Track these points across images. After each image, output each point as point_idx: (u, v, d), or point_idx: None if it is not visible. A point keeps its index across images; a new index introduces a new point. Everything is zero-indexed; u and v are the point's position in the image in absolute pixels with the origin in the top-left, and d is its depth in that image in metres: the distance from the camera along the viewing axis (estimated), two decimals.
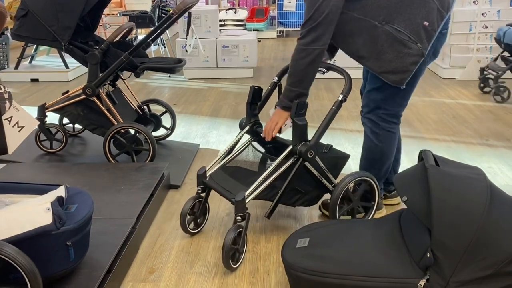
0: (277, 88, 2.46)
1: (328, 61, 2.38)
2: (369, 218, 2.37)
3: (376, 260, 1.76)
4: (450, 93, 5.05)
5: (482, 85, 5.01)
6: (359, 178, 2.29)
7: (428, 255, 1.62)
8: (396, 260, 1.73)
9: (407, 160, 3.20)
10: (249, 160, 2.45)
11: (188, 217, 2.35)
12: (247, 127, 2.45)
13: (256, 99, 2.44)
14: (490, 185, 1.68)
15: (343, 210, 2.29)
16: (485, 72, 4.94)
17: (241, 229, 2.10)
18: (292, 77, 2.18)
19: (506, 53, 4.82)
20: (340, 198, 2.24)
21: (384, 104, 2.31)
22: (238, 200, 2.08)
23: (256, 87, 2.42)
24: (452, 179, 1.68)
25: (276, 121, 2.26)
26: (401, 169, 2.63)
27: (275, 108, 2.34)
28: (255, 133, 2.46)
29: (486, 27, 5.65)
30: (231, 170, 2.39)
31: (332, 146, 2.35)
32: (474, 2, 5.68)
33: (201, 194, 2.38)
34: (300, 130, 2.15)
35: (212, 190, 2.34)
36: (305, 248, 1.89)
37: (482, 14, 5.57)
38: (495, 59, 4.95)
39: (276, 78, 2.46)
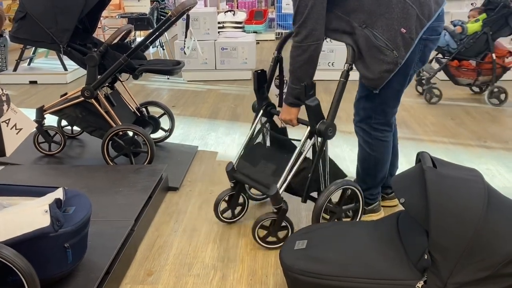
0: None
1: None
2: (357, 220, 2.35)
3: (374, 262, 1.76)
4: (448, 94, 5.05)
5: (418, 86, 5.04)
6: (343, 187, 2.25)
7: (426, 257, 1.62)
8: (394, 261, 1.73)
9: (405, 162, 3.20)
10: (264, 141, 2.49)
11: (224, 206, 2.50)
12: (261, 111, 2.46)
13: (262, 82, 2.44)
14: (487, 187, 1.68)
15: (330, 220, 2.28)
16: (421, 74, 4.96)
17: (273, 217, 2.22)
18: (292, 74, 2.18)
19: (440, 55, 4.86)
20: (323, 207, 2.20)
21: (374, 113, 2.31)
22: (273, 194, 2.15)
23: (259, 71, 2.43)
24: (449, 181, 1.68)
25: (289, 119, 2.28)
26: (399, 171, 2.63)
27: (274, 82, 2.37)
28: (269, 114, 2.47)
29: None
30: (252, 157, 2.43)
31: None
32: (472, 4, 5.70)
33: (234, 188, 2.46)
34: (314, 111, 2.17)
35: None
36: (303, 250, 1.89)
37: None
38: (430, 61, 4.95)
39: (276, 52, 2.46)
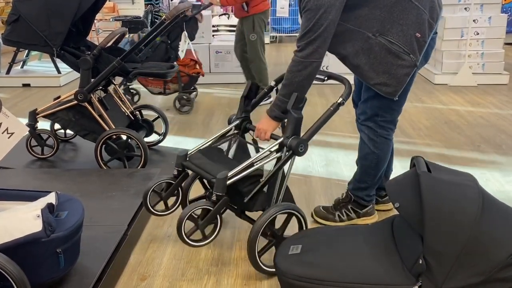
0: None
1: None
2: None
3: (369, 267, 1.75)
4: (442, 99, 5.07)
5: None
6: (284, 211, 2.13)
7: (421, 262, 1.62)
8: (389, 266, 1.72)
9: (400, 166, 3.20)
10: (228, 152, 2.39)
11: (156, 196, 2.33)
12: (237, 122, 2.39)
13: (252, 94, 2.41)
14: (481, 191, 1.68)
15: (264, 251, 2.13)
16: (127, 84, 4.86)
17: (208, 206, 2.03)
18: (286, 88, 2.14)
19: None
20: (260, 232, 2.04)
21: (381, 112, 2.32)
22: (220, 178, 2.01)
23: (255, 83, 2.42)
24: (444, 186, 1.68)
25: (265, 131, 2.23)
26: (393, 175, 2.63)
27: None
28: (244, 129, 2.41)
29: (478, 34, 5.69)
30: (210, 153, 2.32)
31: None
32: (465, 8, 5.72)
33: (177, 177, 2.33)
34: (294, 123, 2.10)
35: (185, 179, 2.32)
36: (297, 255, 1.88)
37: (474, 20, 5.62)
38: None
39: (274, 82, 2.42)
